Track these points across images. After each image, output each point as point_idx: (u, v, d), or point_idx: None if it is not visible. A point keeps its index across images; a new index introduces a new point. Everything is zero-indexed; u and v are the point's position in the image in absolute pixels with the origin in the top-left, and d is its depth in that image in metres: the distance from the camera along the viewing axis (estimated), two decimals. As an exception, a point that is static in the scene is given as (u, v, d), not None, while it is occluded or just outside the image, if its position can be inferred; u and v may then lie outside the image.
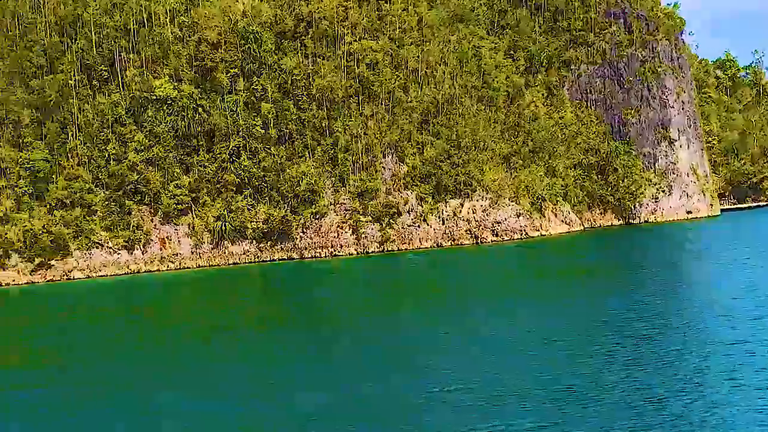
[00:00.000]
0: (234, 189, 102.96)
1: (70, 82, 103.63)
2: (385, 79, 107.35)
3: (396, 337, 33.80)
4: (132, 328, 40.31)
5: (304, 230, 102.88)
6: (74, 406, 22.75)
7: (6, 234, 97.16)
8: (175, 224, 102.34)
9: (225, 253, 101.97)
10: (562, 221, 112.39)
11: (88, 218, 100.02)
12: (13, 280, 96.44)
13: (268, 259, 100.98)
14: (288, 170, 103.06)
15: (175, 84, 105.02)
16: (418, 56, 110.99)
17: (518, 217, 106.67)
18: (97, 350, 32.34)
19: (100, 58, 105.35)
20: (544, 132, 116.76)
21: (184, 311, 47.96)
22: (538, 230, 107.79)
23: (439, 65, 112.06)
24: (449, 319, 38.75)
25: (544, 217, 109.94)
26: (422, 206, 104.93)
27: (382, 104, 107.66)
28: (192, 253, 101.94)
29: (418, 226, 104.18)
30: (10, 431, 20.08)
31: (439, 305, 46.29)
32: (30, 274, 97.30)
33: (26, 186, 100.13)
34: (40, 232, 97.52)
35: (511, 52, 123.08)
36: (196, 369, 26.96)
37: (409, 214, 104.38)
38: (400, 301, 47.63)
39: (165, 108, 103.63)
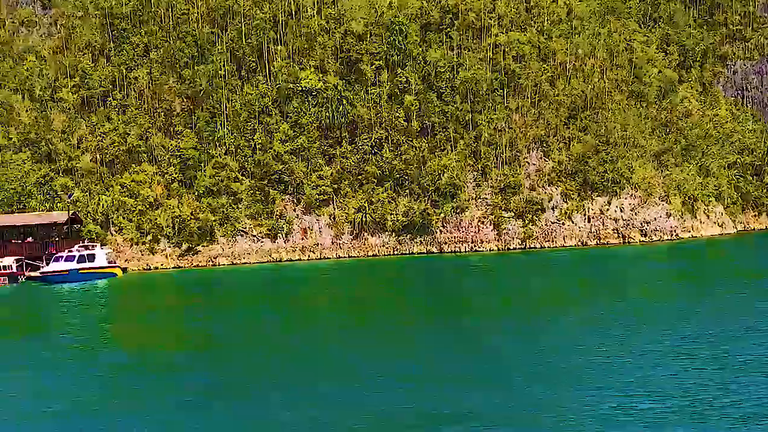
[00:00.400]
0: (375, 181, 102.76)
1: (219, 72, 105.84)
2: (532, 72, 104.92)
3: (553, 336, 31.81)
4: (283, 314, 39.83)
5: (444, 224, 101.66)
6: (239, 390, 22.08)
7: (156, 219, 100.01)
8: (316, 214, 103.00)
9: (364, 244, 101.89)
10: (715, 223, 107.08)
11: (233, 206, 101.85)
12: (162, 264, 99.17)
13: (407, 252, 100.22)
14: (429, 163, 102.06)
15: (321, 75, 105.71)
16: (567, 49, 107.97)
17: (668, 217, 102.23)
18: (251, 335, 31.79)
19: (248, 48, 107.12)
20: (698, 129, 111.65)
21: (331, 300, 47.31)
22: (689, 231, 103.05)
23: (589, 58, 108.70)
24: (608, 322, 36.44)
25: (696, 218, 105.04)
26: (567, 203, 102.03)
27: (527, 97, 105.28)
28: (332, 243, 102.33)
29: (563, 224, 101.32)
30: (178, 414, 19.51)
31: (592, 306, 43.96)
32: (177, 258, 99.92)
33: (176, 173, 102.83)
34: (188, 218, 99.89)
35: (664, 45, 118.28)
36: (351, 359, 25.97)
37: (553, 210, 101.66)
38: (554, 300, 45.46)
39: (310, 99, 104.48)
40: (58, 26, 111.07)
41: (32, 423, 18.70)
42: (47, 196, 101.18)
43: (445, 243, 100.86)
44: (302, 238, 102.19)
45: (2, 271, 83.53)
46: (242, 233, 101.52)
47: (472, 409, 19.78)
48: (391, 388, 21.61)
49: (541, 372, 25.85)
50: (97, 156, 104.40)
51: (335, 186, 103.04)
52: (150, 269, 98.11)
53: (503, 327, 33.28)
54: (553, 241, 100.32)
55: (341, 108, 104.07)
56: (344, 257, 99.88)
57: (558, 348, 27.62)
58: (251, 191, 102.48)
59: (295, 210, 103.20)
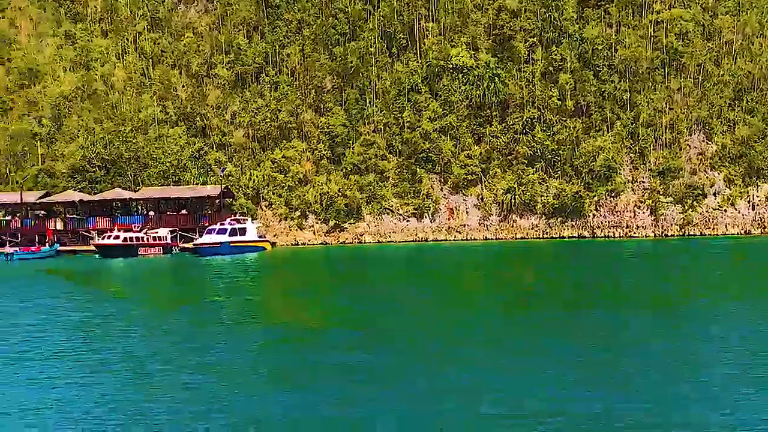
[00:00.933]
0: (526, 161, 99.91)
1: (370, 49, 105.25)
2: (696, 51, 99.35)
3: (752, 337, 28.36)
4: (433, 294, 38.23)
5: (598, 208, 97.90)
6: (397, 370, 20.60)
7: (305, 195, 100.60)
8: (464, 194, 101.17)
9: (512, 226, 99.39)
10: None
11: (380, 184, 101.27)
12: (309, 240, 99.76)
13: (557, 235, 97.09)
14: (584, 144, 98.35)
15: (472, 52, 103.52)
16: (734, 27, 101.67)
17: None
18: (402, 314, 30.29)
19: (400, 25, 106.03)
20: None
21: (482, 282, 45.39)
22: None
23: (757, 37, 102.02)
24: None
25: None
26: (730, 189, 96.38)
27: (690, 77, 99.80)
28: (479, 224, 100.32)
29: (725, 211, 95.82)
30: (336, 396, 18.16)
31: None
32: (324, 235, 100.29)
33: (325, 150, 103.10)
34: (336, 195, 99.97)
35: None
36: (508, 346, 24.03)
37: (715, 196, 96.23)
38: (735, 292, 41.75)
39: (460, 77, 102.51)
40: (215, 3, 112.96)
41: (186, 400, 17.74)
42: (201, 170, 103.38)
43: (598, 227, 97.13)
44: (449, 219, 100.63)
45: (157, 242, 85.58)
46: (388, 211, 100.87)
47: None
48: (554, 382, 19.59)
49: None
50: (249, 131, 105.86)
51: (484, 166, 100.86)
52: (297, 244, 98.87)
53: (689, 318, 30.54)
54: (713, 229, 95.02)
55: (492, 86, 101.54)
56: (491, 239, 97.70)
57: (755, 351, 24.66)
58: (398, 169, 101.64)
59: (442, 189, 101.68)
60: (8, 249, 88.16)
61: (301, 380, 18.97)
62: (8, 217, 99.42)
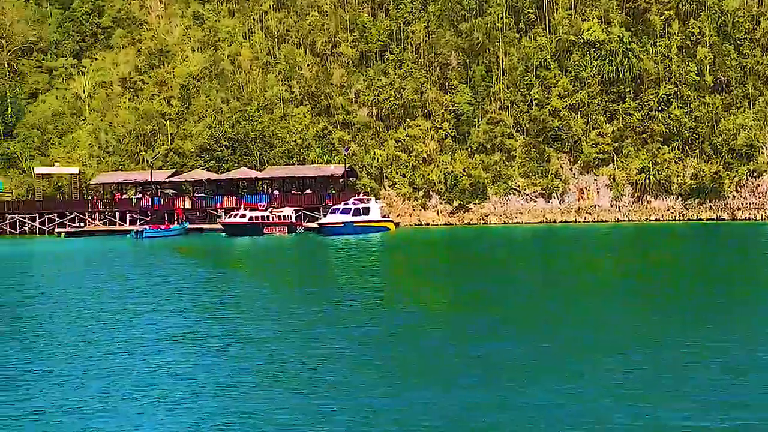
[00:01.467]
0: (661, 140, 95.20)
1: (497, 24, 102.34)
2: None
3: None
4: (564, 277, 35.82)
5: (738, 189, 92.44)
6: (535, 359, 18.54)
7: (429, 175, 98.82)
8: (594, 174, 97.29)
9: (647, 208, 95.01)
10: None
11: (506, 163, 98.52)
12: (432, 221, 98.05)
13: (694, 217, 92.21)
14: (724, 122, 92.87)
15: (605, 27, 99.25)
16: None
17: None
18: (535, 299, 28.12)
19: (528, 0, 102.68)
20: None
21: (620, 265, 42.58)
22: None
23: None
24: None
25: None
26: None
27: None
28: (611, 205, 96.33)
29: None
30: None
31: None
32: (448, 215, 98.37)
33: (449, 128, 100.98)
34: (461, 174, 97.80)
35: None
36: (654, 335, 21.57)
37: None
38: None
39: (592, 52, 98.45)
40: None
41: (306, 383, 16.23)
42: (325, 150, 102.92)
43: (738, 209, 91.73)
44: (578, 199, 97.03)
45: (282, 221, 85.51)
46: (515, 192, 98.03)
47: None
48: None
49: None
50: (373, 110, 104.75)
51: (616, 144, 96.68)
52: (421, 225, 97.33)
53: None
54: None
55: (626, 61, 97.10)
56: (623, 221, 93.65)
57: None
58: (526, 148, 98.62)
59: (571, 169, 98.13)
60: (138, 227, 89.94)
61: (448, 375, 17.13)
62: (138, 196, 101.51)
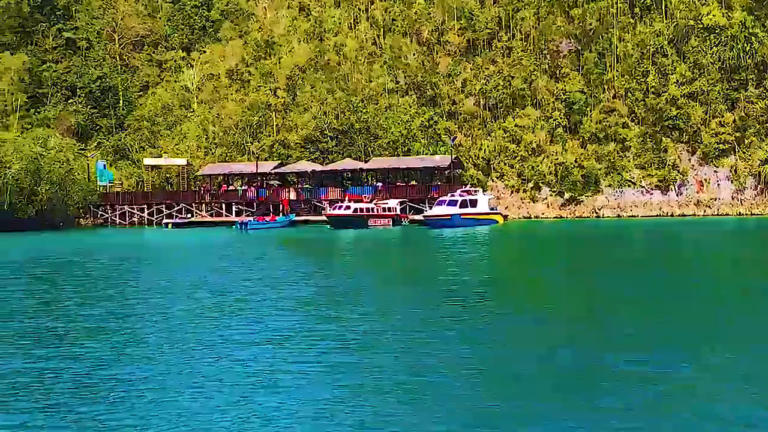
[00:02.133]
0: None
1: (611, 10, 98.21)
2: None
3: None
4: (685, 276, 32.76)
5: None
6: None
7: (538, 166, 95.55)
8: (714, 166, 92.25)
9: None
10: None
11: (621, 154, 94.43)
12: (543, 213, 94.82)
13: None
14: None
15: (725, 11, 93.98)
16: None
17: None
18: (656, 299, 25.36)
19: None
20: None
21: (744, 265, 39.05)
22: None
23: None
24: None
25: None
26: None
27: None
28: (732, 198, 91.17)
29: None
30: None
31: None
32: (559, 208, 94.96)
33: (560, 118, 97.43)
34: (572, 166, 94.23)
35: None
36: None
37: None
38: None
39: (711, 37, 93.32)
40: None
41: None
42: (431, 140, 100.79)
43: None
44: (698, 192, 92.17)
45: (387, 213, 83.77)
46: (630, 184, 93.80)
47: None
48: None
49: None
50: (481, 99, 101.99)
51: (738, 134, 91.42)
52: (530, 217, 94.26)
53: None
54: None
55: (748, 47, 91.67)
56: (745, 214, 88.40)
57: None
58: (641, 138, 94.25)
59: (690, 160, 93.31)
60: (243, 218, 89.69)
61: (579, 394, 14.83)
62: (244, 187, 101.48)
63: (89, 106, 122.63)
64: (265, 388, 15.56)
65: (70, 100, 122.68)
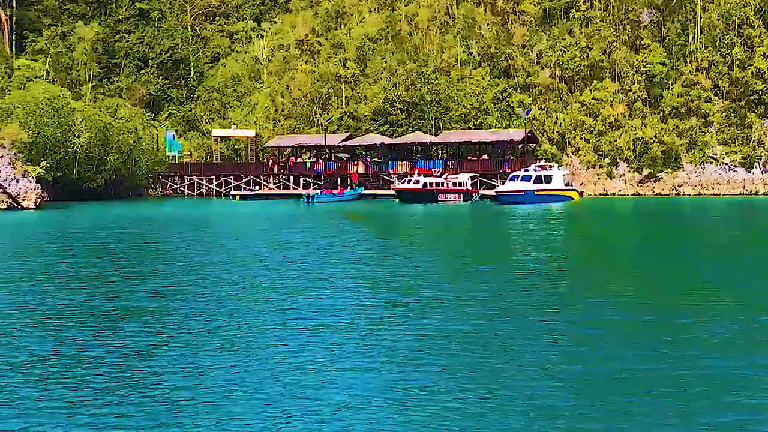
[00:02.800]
0: None
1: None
2: None
3: None
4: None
5: None
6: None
7: (616, 141, 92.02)
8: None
9: None
10: None
11: (703, 129, 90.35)
12: (619, 191, 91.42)
13: None
14: None
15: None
16: None
17: None
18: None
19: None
20: None
21: None
22: None
23: None
24: None
25: None
26: None
27: None
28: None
29: None
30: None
31: None
32: (637, 185, 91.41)
33: (640, 91, 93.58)
34: (651, 141, 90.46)
35: None
36: None
37: None
38: None
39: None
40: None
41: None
42: (504, 113, 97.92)
43: None
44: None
45: (457, 188, 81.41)
46: (712, 160, 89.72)
47: None
48: None
49: None
50: (556, 71, 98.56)
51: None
52: (606, 194, 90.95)
53: None
54: None
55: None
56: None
57: None
58: (725, 113, 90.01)
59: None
60: (311, 191, 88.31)
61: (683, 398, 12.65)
62: (312, 159, 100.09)
63: (161, 77, 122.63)
64: (350, 371, 13.85)
65: (142, 71, 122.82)
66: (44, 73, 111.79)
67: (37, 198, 70.38)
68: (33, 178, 70.78)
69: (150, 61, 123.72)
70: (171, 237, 42.35)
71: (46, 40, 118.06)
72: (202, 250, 35.69)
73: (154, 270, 28.00)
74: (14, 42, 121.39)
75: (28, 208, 69.18)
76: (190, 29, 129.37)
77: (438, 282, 24.53)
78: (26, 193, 69.69)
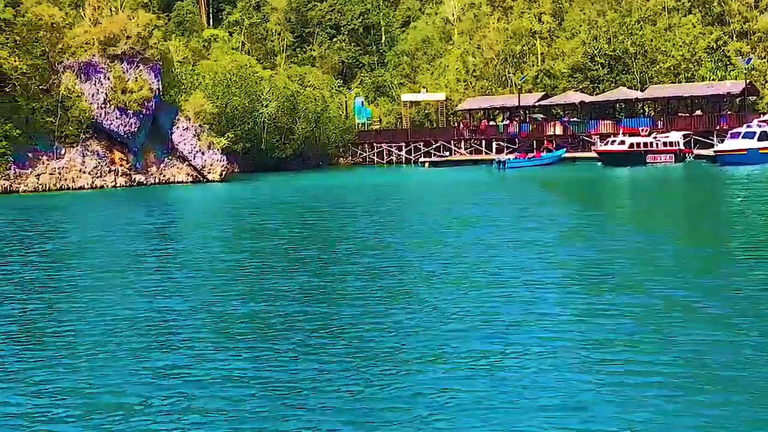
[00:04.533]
0: None
1: None
2: None
3: None
4: None
5: None
6: None
7: None
8: None
9: None
10: None
11: None
12: None
13: None
14: None
15: None
16: None
17: None
18: None
19: None
20: None
21: None
22: None
23: None
24: None
25: None
26: None
27: None
28: None
29: None
30: None
31: None
32: None
33: None
34: None
35: None
36: None
37: None
38: None
39: None
40: None
41: None
42: (718, 64, 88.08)
43: None
44: None
45: (668, 148, 73.26)
46: None
47: None
48: None
49: None
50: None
51: None
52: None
53: None
54: None
55: None
56: None
57: None
58: None
59: None
60: (503, 156, 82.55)
61: None
62: (506, 122, 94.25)
63: (353, 44, 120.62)
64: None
65: (334, 39, 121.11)
66: (240, 44, 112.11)
67: (223, 170, 68.93)
68: (219, 150, 69.32)
69: (342, 28, 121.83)
70: (346, 216, 38.38)
71: (241, 11, 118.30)
72: (364, 226, 31.29)
73: (328, 256, 23.78)
74: (210, 15, 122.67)
75: (213, 181, 67.86)
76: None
77: (660, 269, 18.73)
78: (212, 165, 68.34)
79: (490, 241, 24.64)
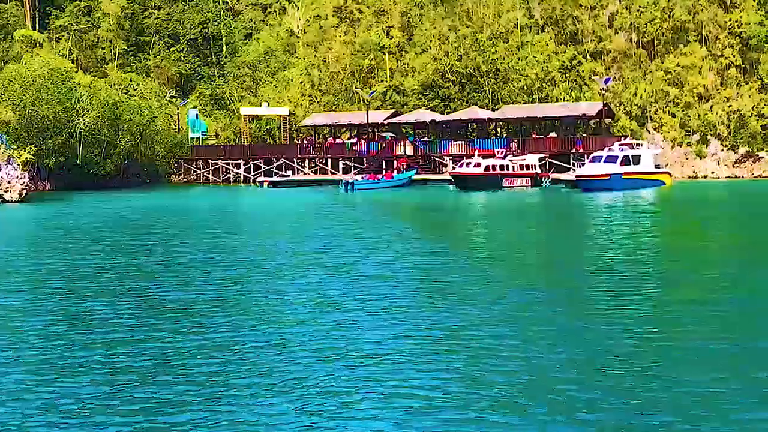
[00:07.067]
0: None
1: None
2: None
3: None
4: None
5: None
6: None
7: (706, 115, 78.70)
8: None
9: None
10: None
11: (811, 101, 76.72)
12: (712, 172, 78.24)
13: None
14: None
15: None
16: None
17: None
18: None
19: None
20: None
21: None
22: None
23: None
24: None
25: None
26: None
27: None
28: None
29: None
30: None
31: None
32: (732, 166, 78.09)
33: (734, 56, 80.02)
34: (749, 114, 77.05)
35: None
36: None
37: None
38: None
39: None
40: None
41: None
42: (573, 84, 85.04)
43: None
44: None
45: (525, 172, 68.68)
46: (821, 137, 76.05)
47: None
48: None
49: None
50: (633, 36, 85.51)
51: None
52: (696, 177, 77.85)
53: None
54: None
55: None
56: None
57: None
58: (836, 82, 76.29)
59: None
60: (350, 177, 75.96)
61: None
62: (353, 140, 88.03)
63: (191, 55, 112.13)
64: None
65: (172, 48, 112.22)
66: (67, 51, 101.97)
67: (23, 189, 59.07)
68: (19, 165, 59.54)
69: (180, 37, 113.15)
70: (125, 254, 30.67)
71: (69, 15, 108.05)
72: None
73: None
74: (36, 19, 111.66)
75: (11, 201, 57.96)
76: (221, 3, 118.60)
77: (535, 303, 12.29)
78: (9, 183, 58.40)
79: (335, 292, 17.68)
